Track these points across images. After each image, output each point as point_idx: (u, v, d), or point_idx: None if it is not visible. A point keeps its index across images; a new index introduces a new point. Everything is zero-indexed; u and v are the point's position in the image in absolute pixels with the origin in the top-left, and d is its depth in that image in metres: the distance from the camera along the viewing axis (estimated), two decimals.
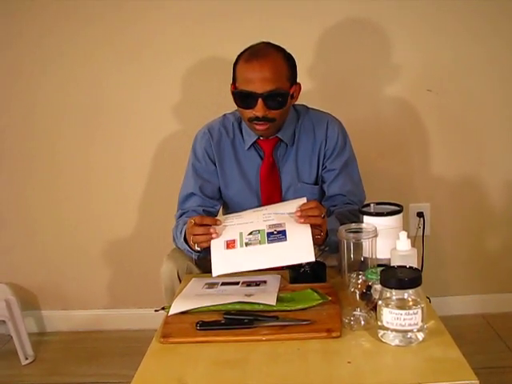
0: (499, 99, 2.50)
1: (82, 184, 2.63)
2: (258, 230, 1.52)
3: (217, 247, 1.52)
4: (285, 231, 1.51)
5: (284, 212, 1.56)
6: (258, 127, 1.77)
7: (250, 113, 1.75)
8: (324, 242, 1.64)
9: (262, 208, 1.66)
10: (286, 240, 1.49)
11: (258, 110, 1.72)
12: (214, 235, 1.53)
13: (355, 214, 1.67)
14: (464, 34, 2.43)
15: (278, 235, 1.50)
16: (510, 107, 2.51)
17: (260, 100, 1.70)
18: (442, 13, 2.41)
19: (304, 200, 1.59)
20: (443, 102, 2.50)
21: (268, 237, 1.50)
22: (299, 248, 1.48)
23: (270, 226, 1.53)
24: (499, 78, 2.48)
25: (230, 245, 1.51)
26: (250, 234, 1.52)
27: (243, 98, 1.74)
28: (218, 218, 1.63)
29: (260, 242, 1.49)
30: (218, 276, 1.50)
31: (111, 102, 2.53)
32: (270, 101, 1.71)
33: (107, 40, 2.47)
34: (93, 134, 2.58)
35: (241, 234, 1.53)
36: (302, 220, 1.51)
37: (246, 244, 1.50)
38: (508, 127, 2.53)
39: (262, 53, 1.73)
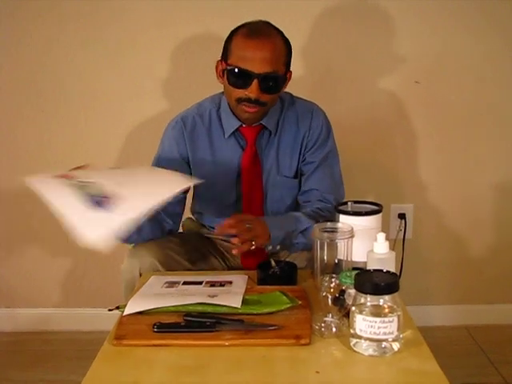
0: (490, 96, 2.53)
1: (42, 167, 2.56)
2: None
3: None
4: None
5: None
6: (247, 109, 1.77)
7: (241, 93, 1.75)
8: (269, 241, 1.69)
9: None
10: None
11: (252, 91, 1.72)
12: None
13: (322, 214, 1.70)
14: (455, 26, 2.46)
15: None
16: (500, 104, 2.55)
17: (256, 81, 1.70)
18: (435, 5, 2.43)
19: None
20: (432, 97, 2.52)
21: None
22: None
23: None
24: (491, 73, 2.51)
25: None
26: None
27: (237, 77, 1.73)
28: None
29: None
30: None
31: (81, 83, 2.51)
32: (266, 83, 1.72)
33: (77, 16, 2.45)
34: (56, 115, 2.54)
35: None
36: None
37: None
38: (498, 125, 2.56)
39: (264, 32, 1.74)
